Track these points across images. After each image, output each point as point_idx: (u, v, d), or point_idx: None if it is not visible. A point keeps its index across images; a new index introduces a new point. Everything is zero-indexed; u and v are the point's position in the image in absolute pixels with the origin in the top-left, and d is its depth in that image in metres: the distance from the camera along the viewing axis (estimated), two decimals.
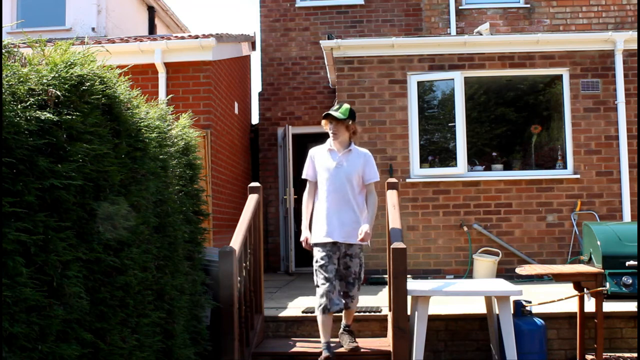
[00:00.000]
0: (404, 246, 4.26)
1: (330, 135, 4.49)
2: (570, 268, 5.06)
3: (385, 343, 4.83)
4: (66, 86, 2.47)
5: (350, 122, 4.46)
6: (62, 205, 2.37)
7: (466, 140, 7.92)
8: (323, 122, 4.52)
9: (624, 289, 5.09)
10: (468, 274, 7.76)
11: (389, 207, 4.88)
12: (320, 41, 8.35)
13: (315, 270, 4.41)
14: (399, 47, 8.04)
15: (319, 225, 4.46)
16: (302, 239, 4.59)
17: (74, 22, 9.73)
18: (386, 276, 6.24)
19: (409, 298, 4.42)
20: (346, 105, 4.47)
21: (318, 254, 4.42)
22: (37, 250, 2.20)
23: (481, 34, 8.56)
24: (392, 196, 4.97)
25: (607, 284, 5.03)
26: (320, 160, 4.55)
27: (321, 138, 11.25)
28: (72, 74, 2.52)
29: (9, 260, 2.04)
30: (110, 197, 2.75)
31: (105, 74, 2.84)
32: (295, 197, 10.09)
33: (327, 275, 4.33)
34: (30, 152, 2.22)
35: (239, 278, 4.36)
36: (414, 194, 7.90)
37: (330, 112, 4.45)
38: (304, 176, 4.64)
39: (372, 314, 5.25)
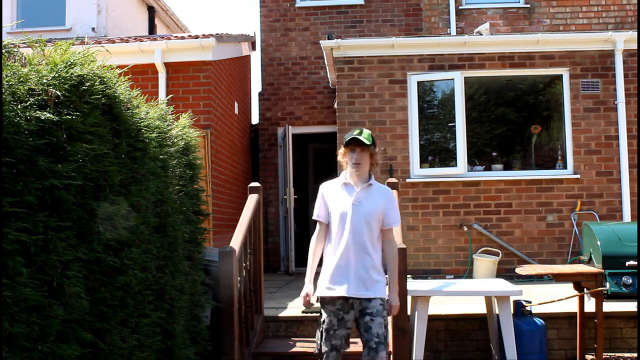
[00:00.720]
0: (404, 246, 4.27)
1: (351, 166, 3.61)
2: (570, 268, 5.06)
3: None
4: (66, 86, 2.47)
5: (374, 149, 3.63)
6: (62, 205, 2.37)
7: (466, 140, 7.92)
8: (341, 151, 3.66)
9: (624, 289, 5.09)
10: (468, 274, 7.75)
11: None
12: (320, 41, 8.35)
13: (320, 333, 3.55)
14: (399, 47, 8.04)
15: (327, 275, 3.56)
16: (302, 294, 3.68)
17: (74, 22, 9.73)
18: (386, 276, 6.23)
19: (409, 298, 4.42)
20: (367, 130, 3.65)
21: (324, 313, 3.54)
22: (37, 250, 2.20)
23: (481, 34, 8.56)
24: None
25: (607, 284, 5.03)
26: (334, 198, 3.65)
27: (321, 138, 11.31)
28: (72, 74, 2.52)
29: (9, 260, 2.04)
30: (110, 197, 2.75)
31: (105, 74, 2.84)
32: (295, 197, 10.10)
33: (334, 343, 3.49)
34: (30, 152, 2.22)
35: (239, 278, 4.36)
36: (414, 194, 7.90)
37: (356, 136, 3.57)
38: (314, 217, 3.74)
39: None
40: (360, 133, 3.59)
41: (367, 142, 3.55)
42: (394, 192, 3.58)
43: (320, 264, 3.73)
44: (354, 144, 3.59)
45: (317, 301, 3.64)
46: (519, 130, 8.65)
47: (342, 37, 9.13)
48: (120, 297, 2.81)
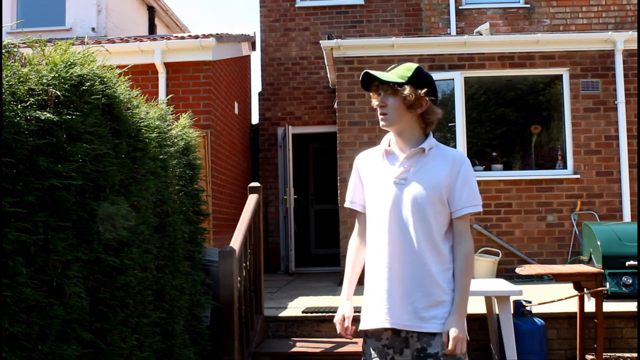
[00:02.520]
0: None
1: (379, 118, 2.41)
2: (570, 268, 5.06)
3: None
4: (66, 86, 2.47)
5: (416, 93, 2.34)
6: (62, 205, 2.37)
7: (466, 140, 7.92)
8: (372, 94, 2.44)
9: (624, 289, 5.08)
10: None
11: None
12: (320, 41, 8.35)
13: None
14: (399, 47, 8.04)
15: (365, 294, 2.44)
16: (336, 318, 2.51)
17: (74, 22, 9.73)
18: None
19: None
20: (409, 65, 2.43)
21: (367, 349, 2.42)
22: (37, 250, 2.20)
23: (481, 34, 8.56)
24: None
25: (607, 284, 5.03)
26: (372, 174, 2.47)
27: (321, 138, 11.31)
28: (72, 74, 2.52)
29: (9, 260, 2.04)
30: (110, 197, 2.75)
31: (105, 74, 2.84)
32: (295, 197, 10.10)
33: None
34: (30, 152, 2.22)
35: (239, 278, 4.36)
36: None
37: (372, 72, 2.40)
38: (346, 204, 2.58)
39: None
40: (394, 67, 2.43)
41: (388, 79, 2.34)
42: (467, 160, 2.39)
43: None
44: (374, 83, 2.40)
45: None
46: (519, 130, 8.65)
47: (342, 37, 9.13)
48: (120, 297, 2.81)
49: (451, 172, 2.34)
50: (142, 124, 3.31)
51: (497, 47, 8.03)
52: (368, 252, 2.44)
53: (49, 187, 2.26)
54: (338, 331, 2.49)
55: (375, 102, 2.42)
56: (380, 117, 2.39)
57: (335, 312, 5.21)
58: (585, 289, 4.74)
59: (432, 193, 2.32)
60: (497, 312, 4.66)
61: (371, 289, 2.39)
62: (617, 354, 5.03)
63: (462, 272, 2.33)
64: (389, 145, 2.45)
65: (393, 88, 2.34)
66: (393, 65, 2.44)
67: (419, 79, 2.36)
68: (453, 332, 2.23)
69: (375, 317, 2.34)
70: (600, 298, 4.61)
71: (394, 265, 2.33)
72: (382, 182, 2.40)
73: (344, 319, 2.47)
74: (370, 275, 2.41)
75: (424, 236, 2.31)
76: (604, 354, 4.69)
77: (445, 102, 8.23)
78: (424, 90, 2.35)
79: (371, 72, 2.37)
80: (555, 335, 5.16)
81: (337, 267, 8.60)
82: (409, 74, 2.36)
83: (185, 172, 4.31)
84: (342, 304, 2.51)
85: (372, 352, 2.38)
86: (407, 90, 2.33)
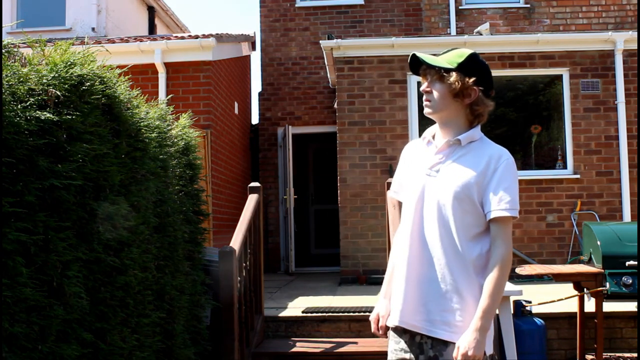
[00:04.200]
0: None
1: (424, 104, 2.26)
2: (570, 268, 5.06)
3: (385, 343, 4.83)
4: (66, 86, 2.47)
5: (464, 81, 2.17)
6: (62, 205, 2.37)
7: None
8: (421, 78, 2.27)
9: (624, 289, 5.08)
10: None
11: (389, 207, 4.87)
12: (320, 41, 8.35)
13: None
14: (399, 47, 8.04)
15: (393, 295, 2.29)
16: (372, 317, 2.41)
17: (74, 22, 9.73)
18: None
19: None
20: (463, 50, 2.25)
21: (389, 345, 2.32)
22: (37, 250, 2.20)
23: (481, 34, 8.56)
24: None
25: (607, 284, 5.03)
26: (410, 161, 2.35)
27: (321, 138, 11.31)
28: (72, 74, 2.52)
29: (9, 260, 2.04)
30: (110, 197, 2.75)
31: (105, 74, 2.84)
32: (295, 197, 10.10)
33: None
34: (30, 152, 2.22)
35: (239, 278, 4.36)
36: None
37: (420, 54, 2.23)
38: (390, 193, 2.50)
39: None
40: (445, 52, 2.26)
41: (436, 64, 2.18)
42: (509, 160, 2.17)
43: None
44: (422, 67, 2.23)
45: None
46: (519, 130, 8.65)
47: (342, 37, 9.13)
48: (120, 297, 2.81)
49: (486, 170, 2.13)
50: (142, 124, 3.31)
51: (497, 47, 8.03)
52: (396, 247, 2.32)
53: (49, 187, 2.26)
54: (372, 330, 2.39)
55: (422, 87, 2.25)
56: (424, 103, 2.22)
57: (335, 312, 5.23)
58: (585, 289, 4.74)
59: (460, 189, 2.12)
60: (497, 312, 4.65)
61: (393, 286, 2.28)
62: (617, 354, 5.03)
63: (488, 282, 2.10)
64: (434, 136, 2.29)
65: (439, 73, 2.17)
66: (447, 49, 2.28)
67: (470, 66, 2.18)
68: (462, 349, 2.03)
69: (392, 315, 2.25)
70: (600, 298, 4.61)
71: (412, 264, 2.18)
72: (416, 172, 2.25)
73: (378, 319, 2.36)
74: (395, 272, 2.29)
75: (446, 235, 2.14)
76: (604, 354, 4.69)
77: None
78: (472, 79, 2.17)
79: (419, 54, 2.21)
80: (555, 335, 5.16)
81: (337, 267, 8.60)
82: (460, 60, 2.18)
83: (185, 172, 4.31)
84: (378, 303, 2.40)
85: (392, 345, 2.29)
86: (453, 77, 2.15)
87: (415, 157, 2.31)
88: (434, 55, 2.26)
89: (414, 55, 2.22)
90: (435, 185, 2.17)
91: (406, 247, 2.20)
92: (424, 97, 2.23)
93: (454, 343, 2.09)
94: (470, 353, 2.01)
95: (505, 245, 2.11)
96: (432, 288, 2.15)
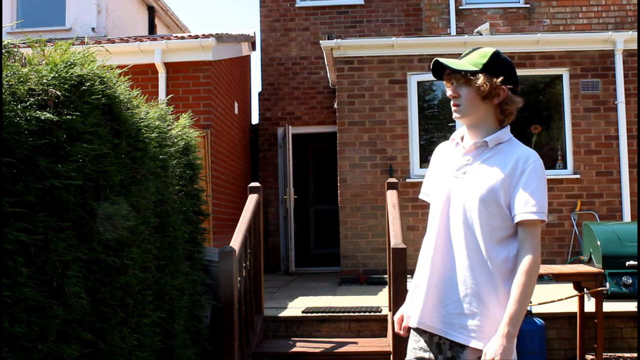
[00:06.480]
0: (404, 246, 4.26)
1: (452, 109, 2.23)
2: (570, 268, 5.06)
3: (385, 343, 4.83)
4: (66, 86, 2.47)
5: (491, 82, 2.13)
6: (62, 205, 2.37)
7: None
8: (446, 83, 2.26)
9: (624, 289, 5.09)
10: None
11: (389, 207, 4.87)
12: (320, 41, 8.35)
13: None
14: (399, 47, 8.04)
15: (415, 295, 2.29)
16: (396, 316, 2.41)
17: (74, 22, 9.73)
18: (386, 276, 6.24)
19: None
20: (485, 50, 2.22)
21: (409, 344, 2.31)
22: (37, 250, 2.20)
23: (481, 34, 8.56)
24: (392, 196, 4.97)
25: (607, 284, 5.03)
26: (440, 163, 2.34)
27: (321, 138, 11.31)
28: (72, 74, 2.52)
29: (9, 260, 2.04)
30: (110, 197, 2.75)
31: (105, 74, 2.84)
32: (295, 197, 10.10)
33: None
34: (30, 152, 2.22)
35: (239, 278, 4.36)
36: (414, 194, 7.89)
37: (442, 60, 2.22)
38: (421, 194, 2.44)
39: (372, 314, 5.25)
40: (468, 53, 2.24)
41: (460, 68, 2.16)
42: (537, 162, 2.13)
43: None
44: (445, 71, 2.22)
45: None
46: (519, 130, 8.64)
47: (342, 37, 9.13)
48: (120, 297, 2.81)
49: (512, 173, 2.09)
50: (142, 124, 3.31)
51: (497, 47, 7.98)
52: (422, 248, 2.28)
53: (49, 187, 2.26)
54: (395, 330, 2.40)
55: (448, 92, 2.22)
56: (453, 108, 2.20)
57: (335, 312, 5.23)
58: (585, 289, 4.74)
59: (486, 192, 2.10)
60: None
61: (415, 287, 2.26)
62: (617, 354, 5.03)
63: (515, 288, 2.04)
64: (462, 138, 2.27)
65: (466, 77, 2.15)
66: (468, 50, 2.25)
67: (495, 65, 2.15)
68: (490, 355, 1.99)
69: (412, 316, 2.25)
70: (600, 298, 4.61)
71: (435, 266, 2.18)
72: (444, 174, 2.25)
73: (402, 319, 2.36)
74: (418, 272, 2.26)
75: (470, 238, 2.12)
76: (604, 354, 4.69)
77: (445, 102, 8.23)
78: (500, 79, 2.13)
79: (441, 60, 2.19)
80: (555, 335, 5.16)
81: (337, 267, 8.60)
82: (484, 60, 2.15)
83: (185, 172, 4.31)
84: (405, 303, 2.40)
85: (412, 344, 2.27)
86: (480, 79, 2.12)
87: (445, 159, 2.30)
88: (455, 58, 2.26)
89: (436, 61, 2.21)
90: (462, 187, 2.16)
91: (431, 248, 2.20)
92: (452, 102, 2.21)
93: (471, 347, 2.09)
94: (497, 359, 1.99)
95: (533, 250, 2.07)
96: (452, 290, 2.13)
